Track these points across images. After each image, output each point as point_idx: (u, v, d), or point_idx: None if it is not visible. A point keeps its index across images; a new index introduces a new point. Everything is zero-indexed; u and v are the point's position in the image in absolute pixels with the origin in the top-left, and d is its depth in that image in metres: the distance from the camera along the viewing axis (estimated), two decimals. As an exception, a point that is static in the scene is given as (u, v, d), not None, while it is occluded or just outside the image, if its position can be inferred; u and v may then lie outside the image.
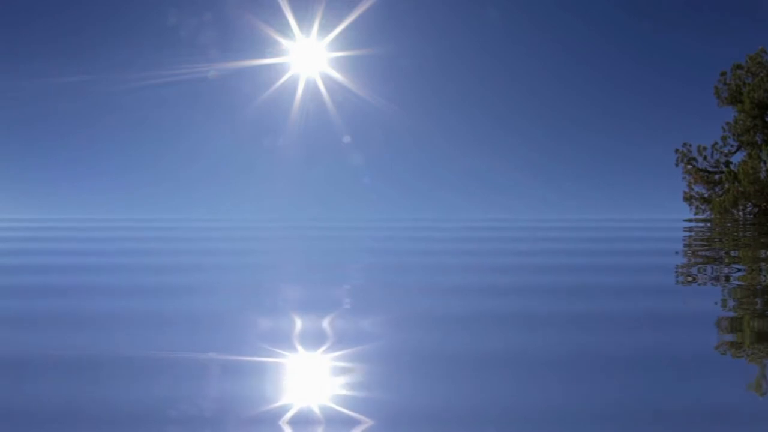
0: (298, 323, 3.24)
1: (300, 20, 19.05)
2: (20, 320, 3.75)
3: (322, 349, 2.99)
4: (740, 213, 22.96)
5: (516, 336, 2.95)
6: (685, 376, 2.31)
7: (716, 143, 23.46)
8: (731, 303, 3.79)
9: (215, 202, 27.23)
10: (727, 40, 27.77)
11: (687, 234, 11.78)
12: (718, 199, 23.04)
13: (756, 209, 22.73)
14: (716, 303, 3.78)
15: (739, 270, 5.12)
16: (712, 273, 5.15)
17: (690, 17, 27.92)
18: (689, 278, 4.71)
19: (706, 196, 23.59)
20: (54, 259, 7.70)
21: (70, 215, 22.99)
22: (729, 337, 2.98)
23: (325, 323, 3.21)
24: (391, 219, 19.99)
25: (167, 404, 2.27)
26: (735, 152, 23.44)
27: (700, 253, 6.64)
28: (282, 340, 2.97)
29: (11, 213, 25.05)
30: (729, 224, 11.62)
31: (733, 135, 23.34)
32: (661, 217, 21.45)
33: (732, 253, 7.06)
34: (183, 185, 27.07)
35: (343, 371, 2.71)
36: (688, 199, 23.82)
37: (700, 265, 5.92)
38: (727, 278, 4.85)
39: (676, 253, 6.69)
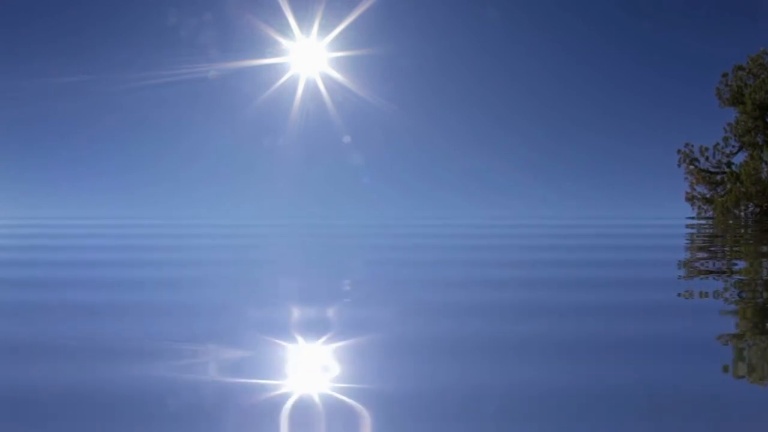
0: (299, 345, 3.19)
1: (300, 20, 19.05)
2: (19, 310, 3.74)
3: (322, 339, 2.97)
4: (742, 213, 22.93)
5: (513, 363, 2.83)
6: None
7: (718, 144, 23.45)
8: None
9: (215, 202, 27.23)
10: (727, 40, 27.80)
11: (686, 242, 11.69)
12: (720, 200, 23.00)
13: (758, 210, 22.71)
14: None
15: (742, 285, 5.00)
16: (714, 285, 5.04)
17: (690, 17, 27.94)
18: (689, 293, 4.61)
19: (708, 196, 23.56)
20: (51, 263, 7.67)
21: (70, 215, 22.95)
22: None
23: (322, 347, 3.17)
24: (396, 223, 19.92)
25: (167, 394, 2.24)
26: (736, 153, 23.42)
27: (702, 267, 6.55)
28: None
29: (11, 213, 25.03)
30: (728, 237, 11.52)
31: (735, 136, 23.31)
32: (661, 219, 21.37)
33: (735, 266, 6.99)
34: (183, 185, 27.07)
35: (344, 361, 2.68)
36: (690, 199, 23.79)
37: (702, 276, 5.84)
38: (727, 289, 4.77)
39: (679, 267, 6.60)
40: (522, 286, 5.04)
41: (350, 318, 3.71)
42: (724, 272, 5.88)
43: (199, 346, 2.91)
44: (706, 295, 4.44)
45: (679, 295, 4.51)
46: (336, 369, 2.62)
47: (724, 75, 23.34)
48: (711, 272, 5.89)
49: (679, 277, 5.72)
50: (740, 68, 23.25)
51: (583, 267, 6.47)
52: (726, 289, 4.63)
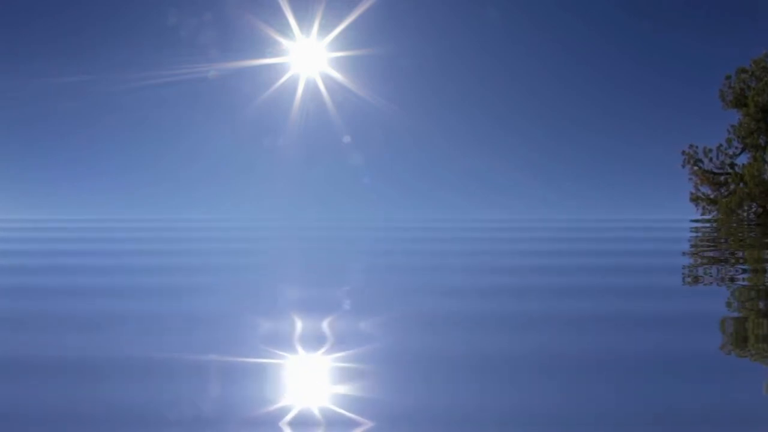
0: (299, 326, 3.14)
1: (300, 20, 18.99)
2: (19, 321, 3.68)
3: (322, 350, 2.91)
4: (745, 214, 22.93)
5: (518, 338, 2.82)
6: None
7: (721, 145, 23.43)
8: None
9: (215, 202, 27.18)
10: (728, 40, 27.72)
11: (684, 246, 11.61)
12: (724, 200, 22.99)
13: (761, 210, 22.69)
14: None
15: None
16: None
17: (690, 17, 27.85)
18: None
19: (712, 197, 23.54)
20: (54, 259, 7.62)
21: (70, 215, 22.93)
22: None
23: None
24: (403, 223, 19.84)
25: (167, 406, 2.18)
26: (739, 154, 23.41)
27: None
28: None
29: (11, 213, 25.02)
30: (731, 241, 11.45)
31: (738, 137, 23.29)
32: (662, 219, 21.32)
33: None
34: (183, 185, 27.01)
35: (343, 373, 2.62)
36: (694, 200, 23.77)
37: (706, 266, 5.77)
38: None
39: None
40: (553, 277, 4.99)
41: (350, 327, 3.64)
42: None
43: (200, 356, 2.85)
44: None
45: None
46: (335, 380, 2.56)
47: (728, 77, 23.30)
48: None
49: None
50: (743, 71, 23.20)
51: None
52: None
